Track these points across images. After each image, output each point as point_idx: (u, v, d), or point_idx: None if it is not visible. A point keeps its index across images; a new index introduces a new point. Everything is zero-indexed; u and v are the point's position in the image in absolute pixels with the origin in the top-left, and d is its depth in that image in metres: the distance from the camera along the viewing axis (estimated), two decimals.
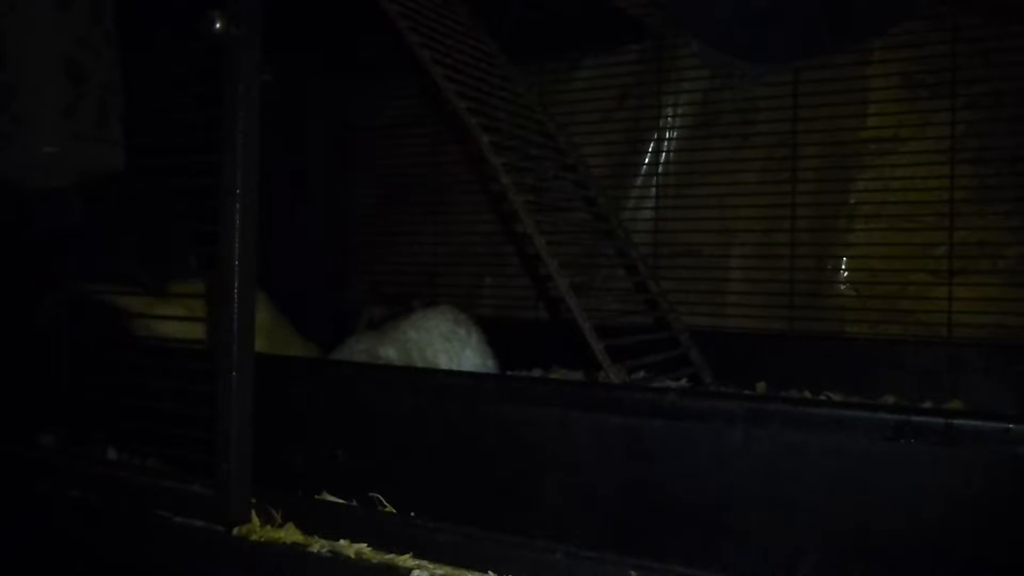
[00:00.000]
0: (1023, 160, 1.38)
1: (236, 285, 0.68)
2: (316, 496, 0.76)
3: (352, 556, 0.63)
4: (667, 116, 1.70)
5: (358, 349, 1.23)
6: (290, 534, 0.67)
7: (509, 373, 1.38)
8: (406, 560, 0.61)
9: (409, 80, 1.93)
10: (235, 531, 0.68)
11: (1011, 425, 0.60)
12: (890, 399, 1.28)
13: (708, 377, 1.29)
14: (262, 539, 0.67)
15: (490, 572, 0.59)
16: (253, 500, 0.70)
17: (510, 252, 1.88)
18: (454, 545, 0.60)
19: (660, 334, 1.30)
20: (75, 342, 1.05)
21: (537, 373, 1.52)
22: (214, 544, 0.69)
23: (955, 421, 0.62)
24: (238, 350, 0.69)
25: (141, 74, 1.12)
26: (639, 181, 1.74)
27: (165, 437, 0.79)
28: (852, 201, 1.54)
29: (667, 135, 1.71)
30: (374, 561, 0.62)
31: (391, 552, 0.63)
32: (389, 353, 1.21)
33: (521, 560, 0.58)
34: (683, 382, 1.23)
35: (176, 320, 0.97)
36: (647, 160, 1.73)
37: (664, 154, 1.71)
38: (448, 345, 1.26)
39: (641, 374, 1.28)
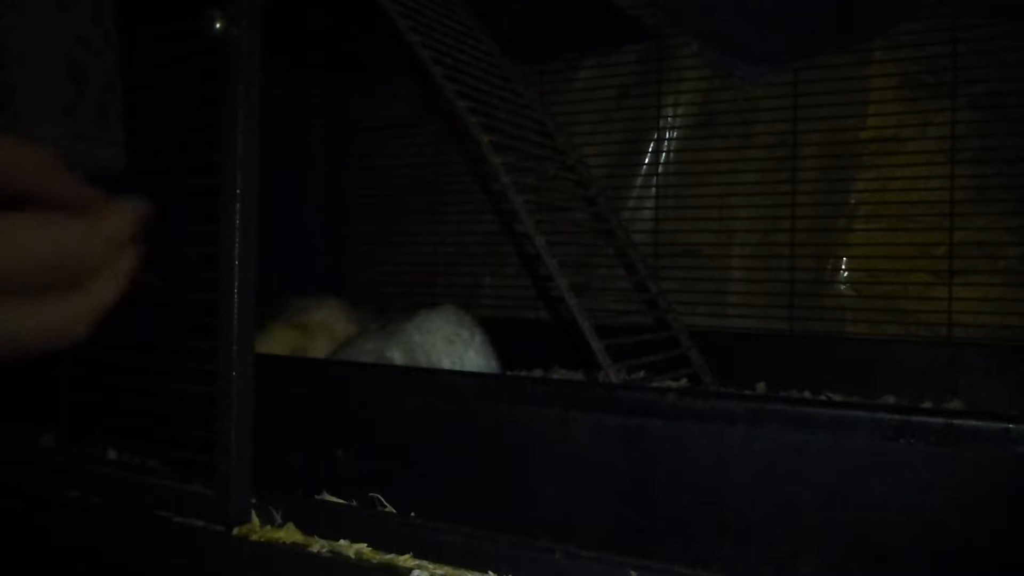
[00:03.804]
0: (1023, 160, 1.38)
1: (236, 285, 0.68)
2: (316, 496, 0.76)
3: (352, 556, 0.63)
4: (667, 116, 1.70)
5: (365, 350, 1.23)
6: (290, 534, 0.67)
7: (509, 373, 1.38)
8: (406, 560, 0.61)
9: (409, 80, 1.93)
10: (235, 531, 0.68)
11: (1011, 425, 0.60)
12: (890, 399, 1.28)
13: (708, 377, 1.29)
14: (262, 539, 0.67)
15: (490, 572, 0.59)
16: (253, 500, 0.70)
17: (510, 252, 1.88)
18: (454, 545, 0.60)
19: (660, 334, 1.30)
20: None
21: (537, 373, 1.52)
22: (214, 544, 0.69)
23: (955, 421, 0.62)
24: (238, 350, 0.69)
25: (141, 74, 1.12)
26: (639, 181, 1.74)
27: (165, 437, 0.79)
28: (852, 201, 1.54)
29: (667, 135, 1.71)
30: (374, 561, 0.62)
31: (391, 552, 0.63)
32: (395, 355, 1.21)
33: (521, 560, 0.58)
34: (683, 382, 1.23)
35: None
36: (647, 160, 1.73)
37: (664, 154, 1.71)
38: (451, 348, 1.26)
39: (641, 374, 1.28)
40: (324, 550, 0.63)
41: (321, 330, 1.40)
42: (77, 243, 0.31)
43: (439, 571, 0.59)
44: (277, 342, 1.35)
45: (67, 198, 0.33)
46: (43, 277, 0.31)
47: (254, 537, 0.67)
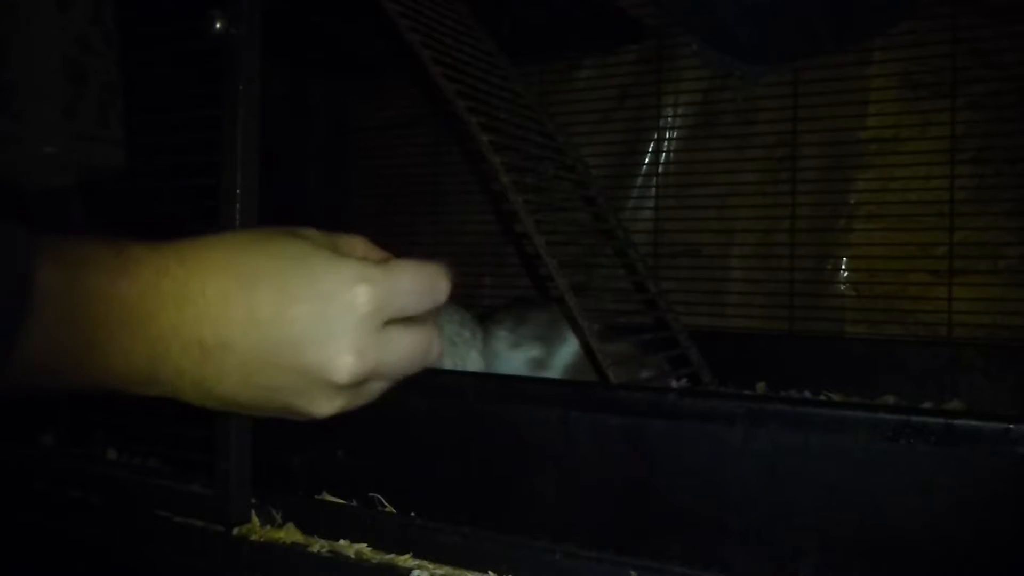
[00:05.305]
0: (1023, 160, 1.38)
1: None
2: (316, 496, 0.76)
3: (352, 556, 0.63)
4: (667, 116, 1.70)
5: None
6: (290, 534, 0.67)
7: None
8: (406, 560, 0.61)
9: (409, 80, 1.93)
10: (235, 531, 0.68)
11: (1011, 425, 0.60)
12: (890, 399, 1.28)
13: (707, 377, 1.29)
14: (262, 539, 0.67)
15: (490, 572, 0.59)
16: (253, 500, 0.70)
17: (510, 252, 1.88)
18: (454, 545, 0.61)
19: (659, 334, 1.30)
20: None
21: None
22: (214, 544, 0.69)
23: (955, 421, 0.62)
24: None
25: (141, 74, 1.12)
26: (639, 181, 1.74)
27: (165, 437, 0.79)
28: (852, 201, 1.54)
29: (667, 135, 1.71)
30: (374, 561, 0.62)
31: (391, 552, 0.63)
32: None
33: (521, 560, 0.58)
34: (683, 382, 1.23)
35: None
36: (647, 160, 1.73)
37: (664, 154, 1.71)
38: (453, 349, 1.26)
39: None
40: (324, 550, 0.63)
41: None
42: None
43: (439, 571, 0.60)
44: None
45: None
46: None
47: (254, 537, 0.67)
